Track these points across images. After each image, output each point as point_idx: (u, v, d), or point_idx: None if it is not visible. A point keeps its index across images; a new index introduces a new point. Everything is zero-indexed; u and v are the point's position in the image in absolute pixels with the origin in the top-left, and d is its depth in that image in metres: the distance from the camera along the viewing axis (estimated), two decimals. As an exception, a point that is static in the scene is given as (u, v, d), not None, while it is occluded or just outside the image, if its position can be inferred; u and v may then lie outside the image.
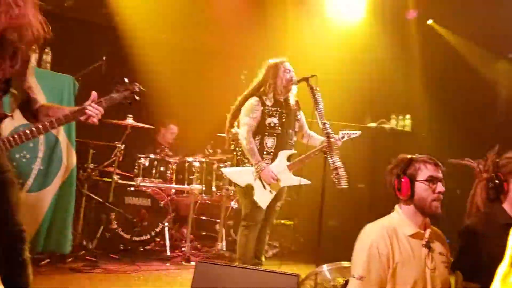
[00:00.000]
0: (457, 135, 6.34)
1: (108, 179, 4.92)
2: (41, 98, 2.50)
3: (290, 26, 6.50)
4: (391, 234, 2.10)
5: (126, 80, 2.66)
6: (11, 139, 2.22)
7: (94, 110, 2.37)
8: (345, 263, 2.47)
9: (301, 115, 4.01)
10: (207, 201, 5.43)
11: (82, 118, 2.37)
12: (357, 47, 6.55)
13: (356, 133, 3.91)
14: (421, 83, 6.71)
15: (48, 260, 4.05)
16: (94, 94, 2.43)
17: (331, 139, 3.70)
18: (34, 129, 2.27)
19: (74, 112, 2.35)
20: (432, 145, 6.13)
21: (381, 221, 2.20)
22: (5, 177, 2.27)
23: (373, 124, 6.19)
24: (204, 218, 5.47)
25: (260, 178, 3.69)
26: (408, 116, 6.39)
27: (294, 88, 3.88)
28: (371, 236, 2.10)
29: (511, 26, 6.31)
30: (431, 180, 2.13)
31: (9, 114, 2.31)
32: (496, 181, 2.23)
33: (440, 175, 2.16)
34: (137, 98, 2.66)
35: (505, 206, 2.26)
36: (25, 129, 2.26)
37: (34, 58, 2.54)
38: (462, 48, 6.90)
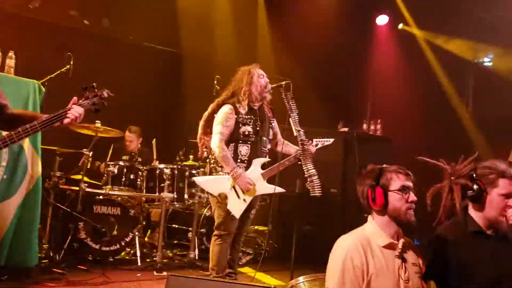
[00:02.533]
0: (427, 138, 6.46)
1: (75, 188, 4.76)
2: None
3: (261, 29, 6.48)
4: (365, 246, 2.09)
5: (94, 85, 2.59)
6: None
7: (75, 113, 2.31)
8: (321, 275, 2.44)
9: (275, 122, 3.98)
10: (179, 209, 5.32)
11: (60, 123, 2.30)
12: (329, 53, 6.59)
13: (329, 141, 3.91)
14: (391, 87, 6.80)
15: (9, 274, 3.86)
16: (75, 98, 2.38)
17: (305, 147, 3.69)
18: (6, 138, 2.16)
19: (52, 117, 2.27)
20: (403, 148, 6.22)
21: (354, 232, 2.18)
22: None
23: (345, 129, 6.23)
24: (176, 226, 5.36)
25: (234, 187, 3.63)
26: (379, 121, 6.46)
27: (268, 95, 3.83)
28: (345, 248, 2.08)
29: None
30: (404, 189, 2.13)
31: None
32: (475, 190, 2.22)
33: (411, 184, 2.17)
34: (105, 104, 2.60)
35: (473, 214, 2.27)
36: None
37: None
38: (431, 48, 7.04)
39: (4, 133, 3.64)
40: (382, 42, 7.13)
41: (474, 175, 2.25)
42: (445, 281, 2.17)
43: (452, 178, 2.31)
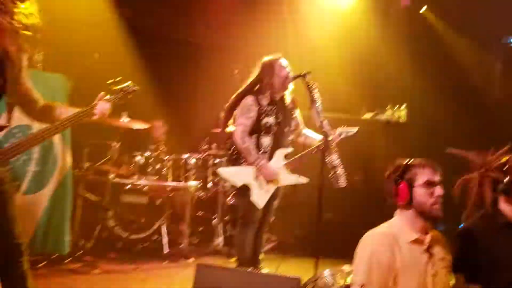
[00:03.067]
0: (453, 123, 6.35)
1: (104, 178, 4.89)
2: None
3: (282, 19, 6.43)
4: (392, 241, 2.09)
5: (120, 79, 2.65)
6: (10, 151, 2.19)
7: (102, 109, 2.38)
8: (346, 268, 2.48)
9: (297, 113, 3.98)
10: (204, 198, 5.42)
11: (88, 118, 2.38)
12: (351, 38, 6.50)
13: (353, 130, 3.89)
14: (416, 72, 6.68)
15: (45, 262, 4.03)
16: (101, 94, 2.44)
17: (328, 137, 3.69)
18: (38, 136, 2.25)
19: (80, 113, 2.34)
20: (428, 135, 6.15)
21: (381, 228, 2.19)
22: (4, 190, 2.24)
23: (368, 115, 6.17)
24: (201, 214, 5.47)
25: (257, 178, 3.67)
26: (403, 106, 6.38)
27: (290, 85, 3.83)
28: (372, 244, 2.10)
29: (504, 11, 6.30)
30: (429, 184, 2.12)
31: (6, 125, 2.29)
32: (506, 184, 2.20)
33: (438, 178, 2.15)
34: (130, 97, 2.65)
35: (504, 207, 2.26)
36: (26, 136, 2.25)
37: (25, 59, 2.51)
38: (455, 35, 6.88)
39: (36, 124, 3.80)
40: (404, 24, 6.99)
41: (505, 167, 2.23)
42: (474, 274, 2.17)
43: (482, 170, 2.29)
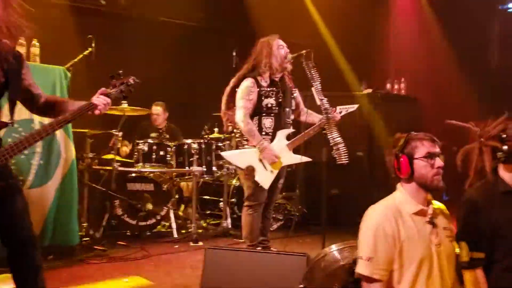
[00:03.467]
0: (453, 95, 6.35)
1: (108, 167, 4.93)
2: None
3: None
4: (395, 214, 2.13)
5: (121, 73, 2.65)
6: (14, 148, 2.20)
7: (103, 102, 2.39)
8: (354, 242, 2.51)
9: (297, 93, 3.99)
10: (209, 181, 5.46)
11: (90, 112, 2.39)
12: (348, 15, 6.46)
13: (354, 107, 3.91)
14: (414, 45, 6.66)
15: (56, 253, 4.07)
16: (102, 89, 2.46)
17: (329, 115, 3.71)
18: (42, 131, 2.27)
19: (82, 109, 2.36)
20: (429, 107, 6.15)
21: (384, 201, 2.23)
22: (10, 184, 2.27)
23: (369, 90, 6.17)
24: (207, 197, 5.52)
25: (261, 160, 3.69)
26: (403, 80, 6.37)
27: (289, 66, 3.83)
28: (376, 217, 2.13)
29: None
30: (429, 156, 2.15)
31: (9, 122, 2.30)
32: (505, 152, 2.22)
33: (437, 150, 2.18)
34: (132, 90, 2.66)
35: (504, 175, 2.28)
36: (30, 133, 2.26)
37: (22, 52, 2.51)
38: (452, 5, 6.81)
39: (36, 118, 3.81)
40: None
41: (504, 136, 2.25)
42: (477, 242, 2.20)
43: (481, 140, 2.31)
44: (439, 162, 2.16)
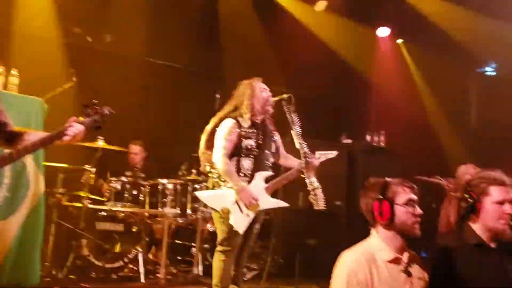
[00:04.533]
0: (433, 148, 6.43)
1: (78, 204, 4.74)
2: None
3: (263, 42, 6.49)
4: (369, 260, 2.06)
5: (95, 102, 2.58)
6: None
7: (75, 131, 2.30)
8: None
9: (277, 136, 3.95)
10: (182, 225, 5.27)
11: (60, 140, 2.29)
12: (331, 65, 6.60)
13: (333, 153, 3.87)
14: (394, 98, 6.79)
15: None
16: (73, 117, 2.37)
17: (308, 159, 3.66)
18: (6, 156, 2.15)
19: (52, 135, 2.26)
20: (408, 159, 6.18)
21: (358, 247, 2.15)
22: None
23: (349, 141, 6.20)
24: (179, 242, 5.31)
25: (237, 202, 3.59)
26: (382, 132, 6.43)
27: (270, 109, 3.81)
28: (349, 263, 2.05)
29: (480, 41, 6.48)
30: (410, 203, 2.11)
31: None
32: (469, 200, 2.20)
33: (416, 197, 2.14)
34: (106, 121, 2.58)
35: (474, 226, 2.23)
36: None
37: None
38: (432, 64, 7.03)
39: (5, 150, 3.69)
40: (384, 52, 7.14)
41: (468, 187, 2.24)
42: None
43: (450, 192, 2.30)
44: (418, 210, 2.13)
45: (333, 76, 6.65)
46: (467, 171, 4.38)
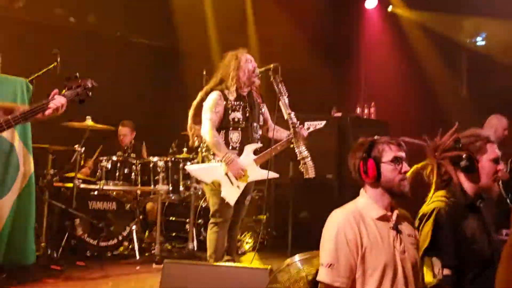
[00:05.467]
0: (422, 119, 6.43)
1: (69, 185, 4.74)
2: None
3: (251, 16, 6.44)
4: (358, 219, 2.06)
5: (77, 75, 2.56)
6: None
7: (57, 103, 2.29)
8: (316, 252, 2.42)
9: (265, 108, 3.95)
10: (175, 201, 5.30)
11: (41, 114, 2.28)
12: (320, 37, 6.56)
13: (321, 123, 3.86)
14: (384, 70, 6.77)
15: (9, 272, 3.85)
16: (56, 90, 2.37)
17: (296, 129, 3.66)
18: None
19: (34, 108, 2.25)
20: (399, 131, 6.18)
21: (347, 206, 2.17)
22: None
23: (339, 114, 6.20)
24: (173, 219, 5.35)
25: (227, 174, 3.60)
26: (373, 104, 6.43)
27: (257, 80, 3.79)
28: (338, 222, 2.06)
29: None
30: (396, 160, 2.11)
31: None
32: (467, 160, 2.20)
33: (403, 155, 2.15)
34: (90, 94, 2.56)
35: (465, 185, 2.25)
36: None
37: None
38: (423, 31, 6.99)
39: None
40: (373, 25, 7.09)
41: (458, 146, 2.23)
42: (446, 258, 2.12)
43: (436, 153, 2.29)
44: (406, 167, 2.12)
45: (322, 49, 6.61)
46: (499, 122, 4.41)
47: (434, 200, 2.27)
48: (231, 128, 3.68)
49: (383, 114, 6.45)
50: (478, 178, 2.24)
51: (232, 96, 3.71)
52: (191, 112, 3.82)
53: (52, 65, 4.48)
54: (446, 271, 2.11)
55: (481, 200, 2.27)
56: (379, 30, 7.16)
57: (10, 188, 3.93)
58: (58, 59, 4.53)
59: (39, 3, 5.66)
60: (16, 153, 3.99)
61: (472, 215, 2.21)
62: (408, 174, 2.17)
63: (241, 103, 3.73)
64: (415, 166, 2.31)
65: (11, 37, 5.01)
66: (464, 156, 2.22)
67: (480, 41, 7.57)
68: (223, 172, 3.61)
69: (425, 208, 2.26)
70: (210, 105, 3.65)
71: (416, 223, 2.25)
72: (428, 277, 2.17)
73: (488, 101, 6.51)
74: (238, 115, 3.69)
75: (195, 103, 3.81)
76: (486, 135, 2.23)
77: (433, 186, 2.32)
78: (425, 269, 2.18)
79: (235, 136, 3.69)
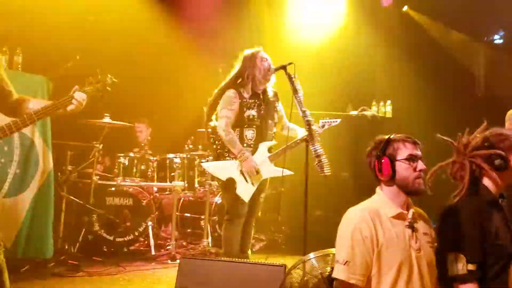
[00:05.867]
0: (438, 118, 6.37)
1: (87, 180, 4.81)
2: None
3: (267, 15, 6.44)
4: (374, 217, 2.06)
5: (98, 71, 2.61)
6: None
7: (78, 99, 2.34)
8: (332, 250, 2.43)
9: (279, 106, 3.96)
10: (191, 198, 5.34)
11: (63, 110, 2.32)
12: (336, 35, 6.53)
13: (336, 121, 3.87)
14: (400, 68, 6.72)
15: (28, 266, 3.93)
16: (76, 87, 2.43)
17: (312, 127, 3.66)
18: (11, 124, 2.18)
19: (56, 103, 2.30)
20: (414, 130, 6.14)
21: (362, 204, 2.17)
22: None
23: (355, 112, 6.17)
24: (188, 215, 5.39)
25: (241, 171, 3.62)
26: (389, 102, 6.39)
27: (272, 78, 3.81)
28: (354, 220, 2.06)
29: (485, 10, 6.37)
30: (411, 158, 2.11)
31: None
32: (500, 158, 2.18)
33: (419, 153, 2.14)
34: (109, 89, 2.60)
35: (487, 183, 2.23)
36: (1, 125, 2.18)
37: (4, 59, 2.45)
38: (439, 32, 6.93)
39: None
40: (388, 23, 7.04)
41: (487, 144, 2.21)
42: (470, 253, 2.10)
43: (467, 152, 2.27)
44: (421, 165, 2.11)
45: (339, 47, 6.58)
46: None
47: (458, 196, 2.25)
48: (246, 126, 3.71)
49: (399, 112, 6.41)
50: (508, 176, 2.22)
51: (247, 94, 3.74)
52: (206, 110, 3.85)
53: (72, 62, 4.56)
54: (471, 267, 2.09)
55: (502, 199, 2.25)
56: (394, 27, 7.10)
57: (30, 183, 4.02)
58: (78, 57, 4.61)
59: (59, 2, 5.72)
60: (36, 149, 4.07)
61: (495, 211, 2.20)
62: (429, 173, 2.17)
63: (256, 100, 3.75)
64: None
65: (31, 34, 5.08)
66: (498, 154, 2.20)
67: (498, 39, 7.48)
68: (238, 169, 3.64)
69: (450, 204, 2.25)
70: (226, 103, 3.67)
71: (438, 219, 2.24)
72: (452, 272, 2.15)
73: (504, 101, 6.42)
74: (253, 112, 3.71)
75: (211, 100, 3.84)
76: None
77: (466, 184, 2.28)
78: (449, 264, 2.16)
79: (249, 133, 3.72)
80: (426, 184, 2.16)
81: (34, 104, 2.35)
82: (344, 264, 2.01)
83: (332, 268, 2.19)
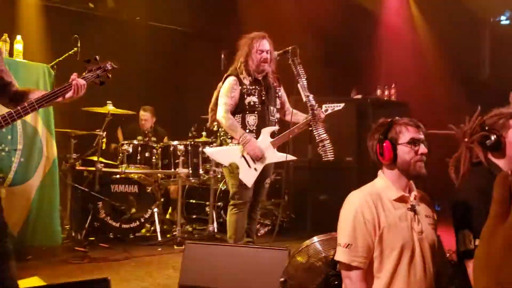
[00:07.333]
0: (444, 100, 6.34)
1: (92, 168, 4.83)
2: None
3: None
4: (376, 200, 2.06)
5: (97, 58, 2.59)
6: None
7: (77, 84, 2.32)
8: (335, 234, 2.43)
9: (281, 91, 3.94)
10: (195, 184, 5.36)
11: (62, 98, 2.31)
12: (339, 20, 6.47)
13: (340, 106, 3.85)
14: (405, 50, 6.66)
15: (36, 253, 3.98)
16: (75, 74, 2.39)
17: (315, 112, 3.66)
18: (13, 113, 2.18)
19: (56, 91, 2.29)
20: (420, 112, 6.11)
21: (364, 187, 2.16)
22: None
23: (359, 96, 6.14)
24: (193, 201, 5.42)
25: (244, 156, 3.63)
26: (393, 85, 6.35)
27: (267, 68, 3.76)
28: (355, 203, 2.07)
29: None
30: (413, 142, 2.09)
31: None
32: (492, 138, 2.17)
33: (421, 136, 2.12)
34: (109, 76, 2.59)
35: (500, 162, 2.22)
36: (3, 114, 2.18)
37: (4, 47, 2.44)
38: (444, 14, 6.85)
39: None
40: (393, 4, 6.96)
41: (486, 128, 2.20)
42: (481, 227, 2.09)
43: (465, 140, 2.26)
44: (423, 148, 2.10)
45: (343, 31, 6.52)
46: None
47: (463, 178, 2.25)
48: (247, 112, 3.70)
49: (403, 95, 6.37)
50: (507, 154, 2.20)
51: (247, 81, 3.72)
52: (215, 94, 3.84)
53: (73, 50, 4.55)
54: (478, 242, 2.10)
55: None
56: (400, 10, 7.03)
57: (35, 171, 4.04)
58: (79, 44, 4.59)
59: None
60: (40, 138, 4.09)
61: None
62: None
63: (257, 87, 3.74)
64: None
65: (31, 22, 5.07)
66: (488, 134, 2.18)
67: (504, 20, 7.39)
68: (240, 155, 3.64)
69: (457, 185, 2.24)
70: (226, 90, 3.67)
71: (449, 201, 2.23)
72: (461, 248, 2.15)
73: (511, 82, 6.36)
74: (254, 99, 3.70)
75: (220, 84, 3.82)
76: (508, 112, 2.19)
77: (461, 170, 2.27)
78: (459, 241, 2.17)
79: (251, 119, 3.71)
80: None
81: (36, 94, 2.35)
82: (346, 247, 2.02)
83: (335, 253, 2.20)
